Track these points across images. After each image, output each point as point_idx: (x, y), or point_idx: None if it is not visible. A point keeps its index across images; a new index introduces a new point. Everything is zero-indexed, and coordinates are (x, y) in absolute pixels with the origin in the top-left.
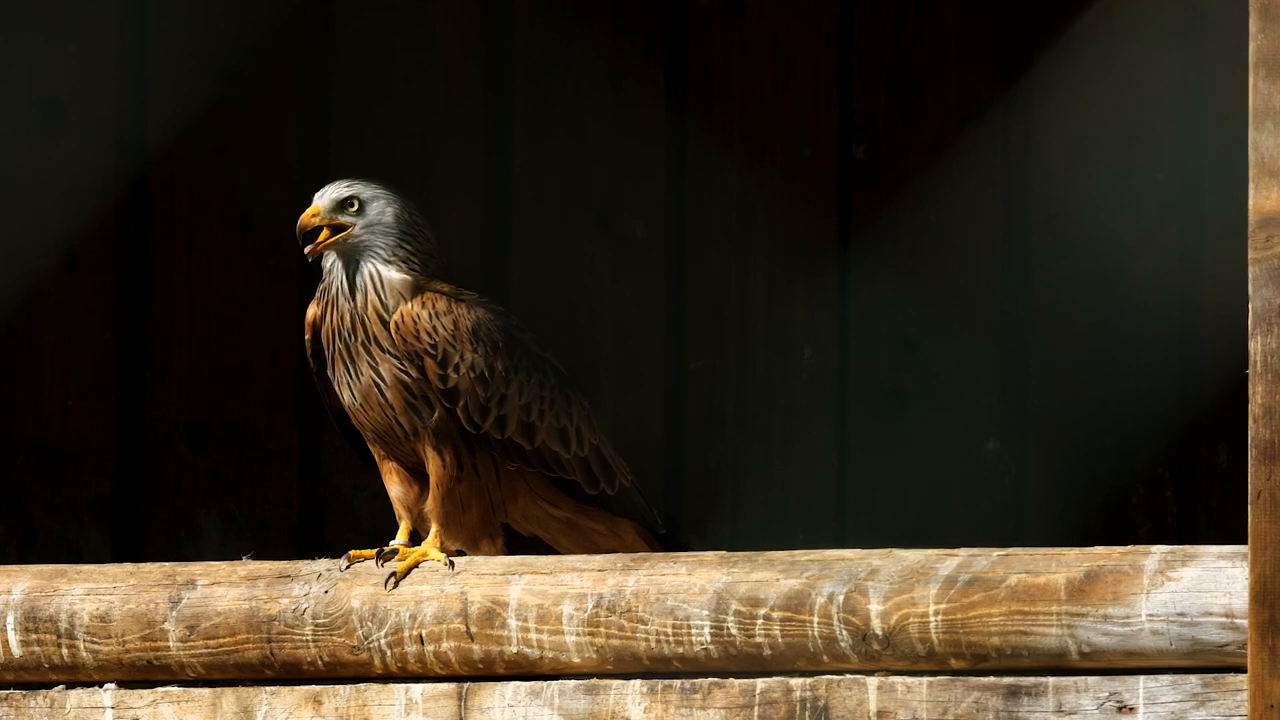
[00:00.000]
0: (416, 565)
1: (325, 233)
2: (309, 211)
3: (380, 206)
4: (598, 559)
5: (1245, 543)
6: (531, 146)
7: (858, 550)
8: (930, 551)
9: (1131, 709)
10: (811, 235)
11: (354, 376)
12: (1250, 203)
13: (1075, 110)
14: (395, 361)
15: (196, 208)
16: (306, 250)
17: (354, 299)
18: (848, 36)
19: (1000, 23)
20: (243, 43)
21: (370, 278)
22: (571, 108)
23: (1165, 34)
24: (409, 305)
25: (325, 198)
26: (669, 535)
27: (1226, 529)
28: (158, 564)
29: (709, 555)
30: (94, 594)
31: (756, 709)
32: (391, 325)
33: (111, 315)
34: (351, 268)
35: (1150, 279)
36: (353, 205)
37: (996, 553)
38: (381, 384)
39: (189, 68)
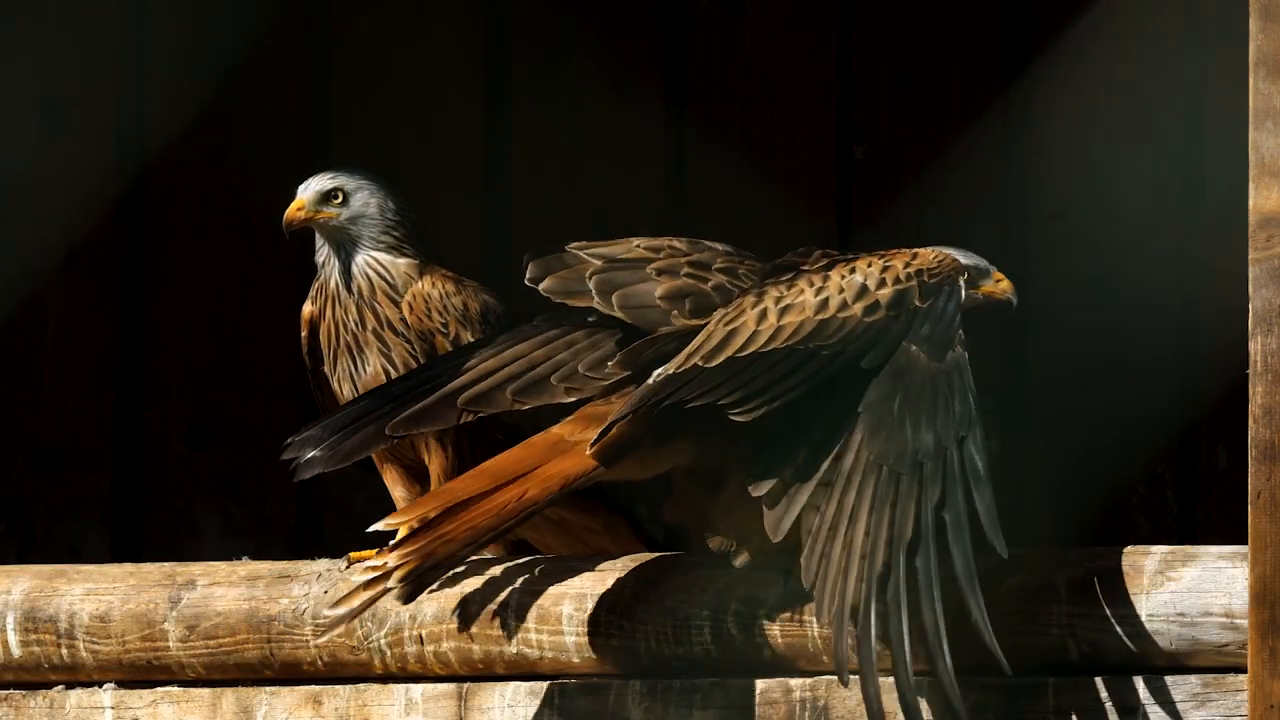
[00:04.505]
0: None
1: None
2: (294, 205)
3: (364, 197)
4: (597, 559)
5: (1245, 543)
6: (531, 146)
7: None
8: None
9: (1131, 709)
10: (811, 235)
11: (359, 369)
12: (1250, 203)
13: (1075, 110)
14: (407, 346)
15: (196, 208)
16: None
17: (357, 291)
18: (847, 36)
19: (1000, 23)
20: (243, 42)
21: (369, 266)
22: (571, 107)
23: (1165, 34)
24: (419, 285)
25: (309, 190)
26: (662, 545)
27: (1226, 529)
28: (157, 564)
29: (709, 555)
30: (94, 594)
31: (756, 709)
32: (404, 305)
33: (111, 315)
34: (346, 260)
35: (1150, 279)
36: (337, 197)
37: (997, 553)
38: (391, 371)
39: (189, 68)
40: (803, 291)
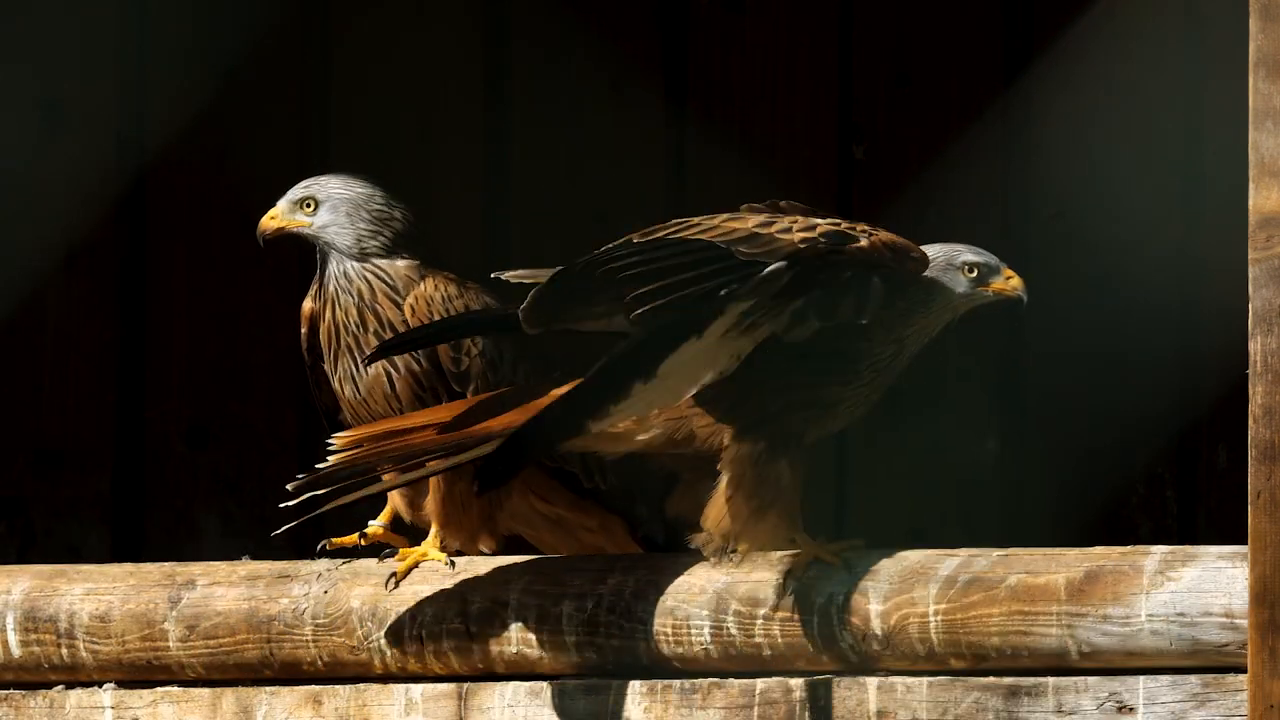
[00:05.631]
0: (417, 565)
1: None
2: (268, 215)
3: (335, 204)
4: (597, 559)
5: (1245, 543)
6: (531, 146)
7: (857, 550)
8: (930, 551)
9: (1131, 709)
10: None
11: (360, 370)
12: (1250, 203)
13: (1075, 110)
14: None
15: (196, 208)
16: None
17: (357, 294)
18: (847, 36)
19: (1000, 23)
20: (243, 42)
21: (366, 270)
22: (571, 107)
23: (1165, 34)
24: (421, 287)
25: (285, 199)
26: (660, 545)
27: (1226, 529)
28: (157, 564)
29: (709, 555)
30: (94, 594)
31: (756, 709)
32: (406, 308)
33: (111, 315)
34: (338, 265)
35: (1150, 278)
36: (309, 205)
37: (996, 553)
38: (393, 373)
39: (189, 68)
40: (760, 213)
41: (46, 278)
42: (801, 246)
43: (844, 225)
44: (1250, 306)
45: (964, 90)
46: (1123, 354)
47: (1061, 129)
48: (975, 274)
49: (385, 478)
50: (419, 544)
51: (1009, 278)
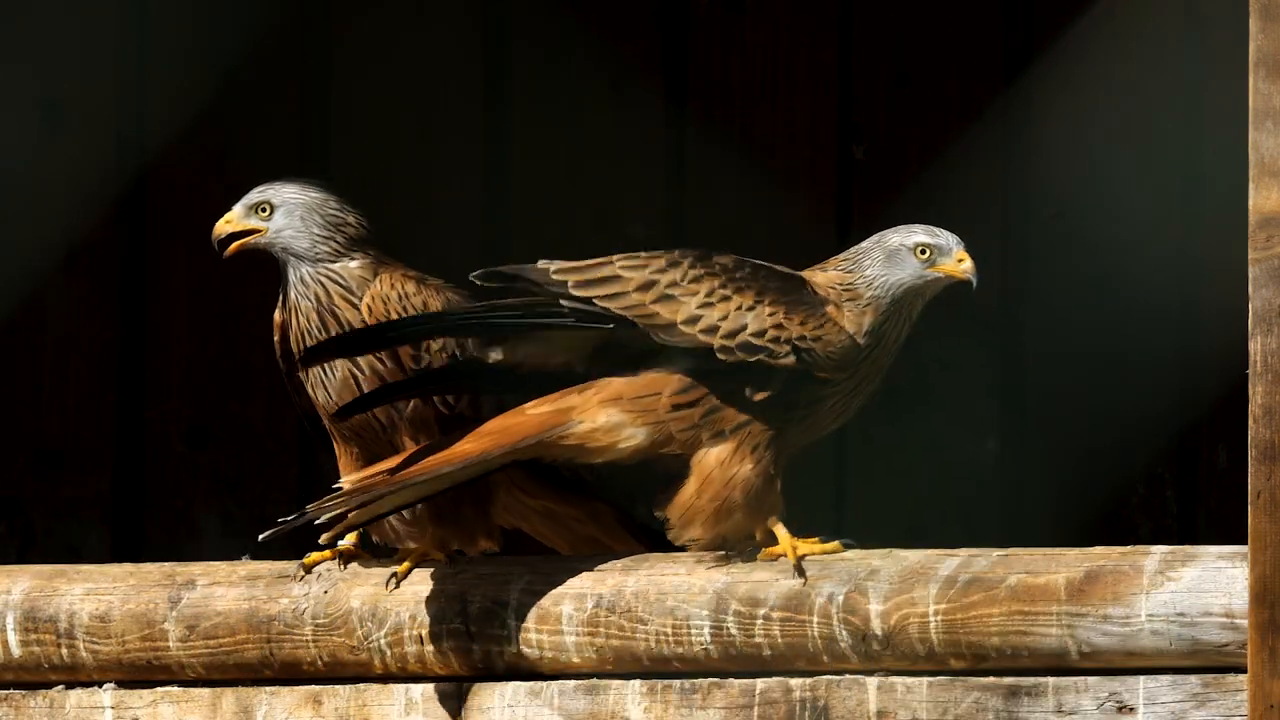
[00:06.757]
0: (417, 565)
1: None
2: (223, 219)
3: (290, 208)
4: (598, 559)
5: (1245, 543)
6: (531, 146)
7: (858, 550)
8: (930, 551)
9: (1131, 709)
10: (811, 235)
11: (329, 374)
12: (1250, 203)
13: (1075, 110)
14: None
15: (196, 208)
16: (225, 254)
17: (315, 299)
18: (847, 36)
19: (1000, 23)
20: (243, 42)
21: (321, 274)
22: (571, 107)
23: (1165, 34)
24: (377, 286)
25: (239, 204)
26: (655, 530)
27: (1226, 529)
28: (157, 564)
29: (708, 555)
30: (94, 594)
31: (756, 709)
32: (364, 308)
33: (111, 315)
34: (296, 271)
35: (1150, 278)
36: (264, 210)
37: (996, 553)
38: (359, 376)
39: (189, 67)
40: (719, 276)
41: (46, 278)
42: (698, 346)
43: (767, 334)
44: (1250, 306)
45: (964, 90)
46: (1123, 354)
47: (1061, 129)
48: (926, 255)
49: (350, 516)
50: (382, 556)
51: (961, 260)
